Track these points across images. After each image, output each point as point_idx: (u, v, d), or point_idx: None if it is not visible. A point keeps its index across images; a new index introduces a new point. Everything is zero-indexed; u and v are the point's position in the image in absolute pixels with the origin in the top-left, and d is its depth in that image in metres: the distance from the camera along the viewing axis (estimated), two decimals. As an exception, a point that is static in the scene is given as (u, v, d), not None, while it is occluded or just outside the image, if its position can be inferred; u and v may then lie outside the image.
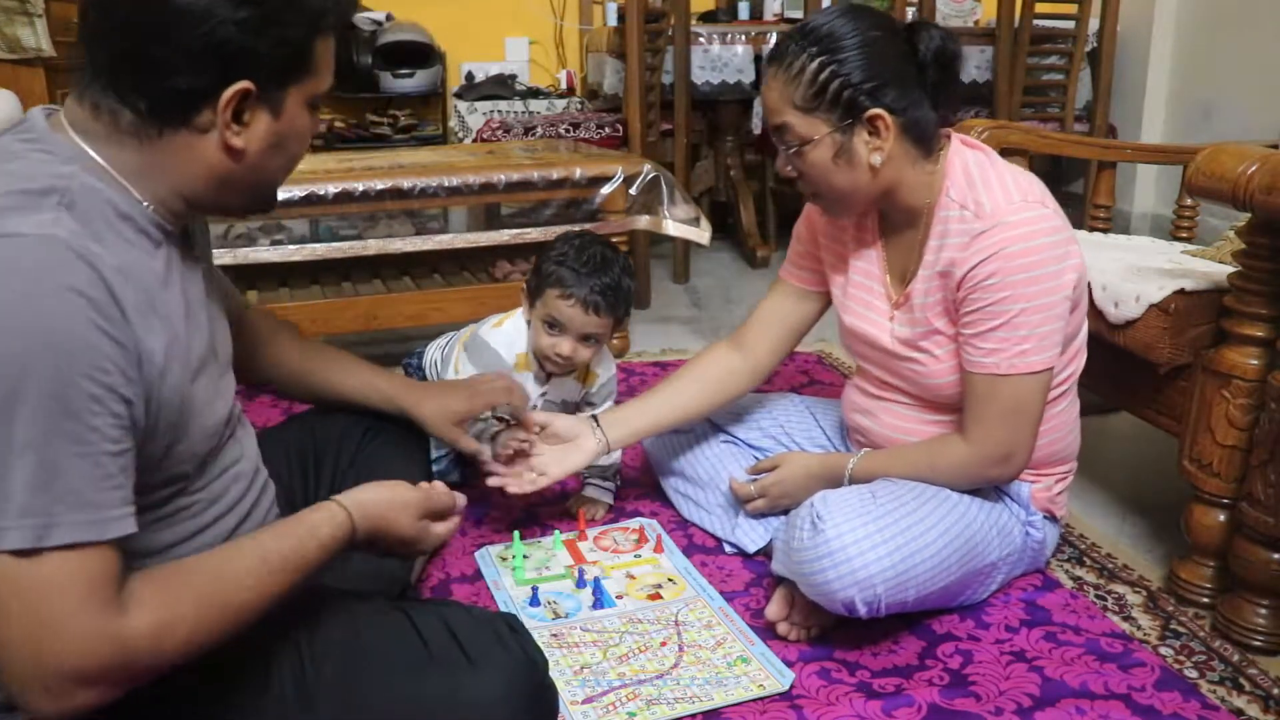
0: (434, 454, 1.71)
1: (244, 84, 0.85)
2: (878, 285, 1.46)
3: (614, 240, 2.52)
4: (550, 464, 1.53)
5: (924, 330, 1.38)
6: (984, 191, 1.30)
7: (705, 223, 2.61)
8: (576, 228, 2.51)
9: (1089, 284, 1.57)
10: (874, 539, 1.23)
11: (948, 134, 1.39)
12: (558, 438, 1.55)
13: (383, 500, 1.03)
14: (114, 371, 0.78)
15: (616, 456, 1.75)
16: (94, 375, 0.76)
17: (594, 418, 1.58)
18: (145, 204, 0.88)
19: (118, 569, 0.79)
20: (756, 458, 1.68)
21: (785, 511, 1.49)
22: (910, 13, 3.47)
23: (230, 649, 0.88)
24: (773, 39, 3.45)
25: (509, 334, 1.72)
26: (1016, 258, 1.25)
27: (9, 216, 0.77)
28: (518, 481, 1.50)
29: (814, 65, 1.28)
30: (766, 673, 1.29)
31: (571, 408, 1.78)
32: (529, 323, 1.69)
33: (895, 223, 1.42)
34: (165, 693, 0.90)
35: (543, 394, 1.75)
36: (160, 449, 0.87)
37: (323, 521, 0.96)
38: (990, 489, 1.41)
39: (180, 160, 0.88)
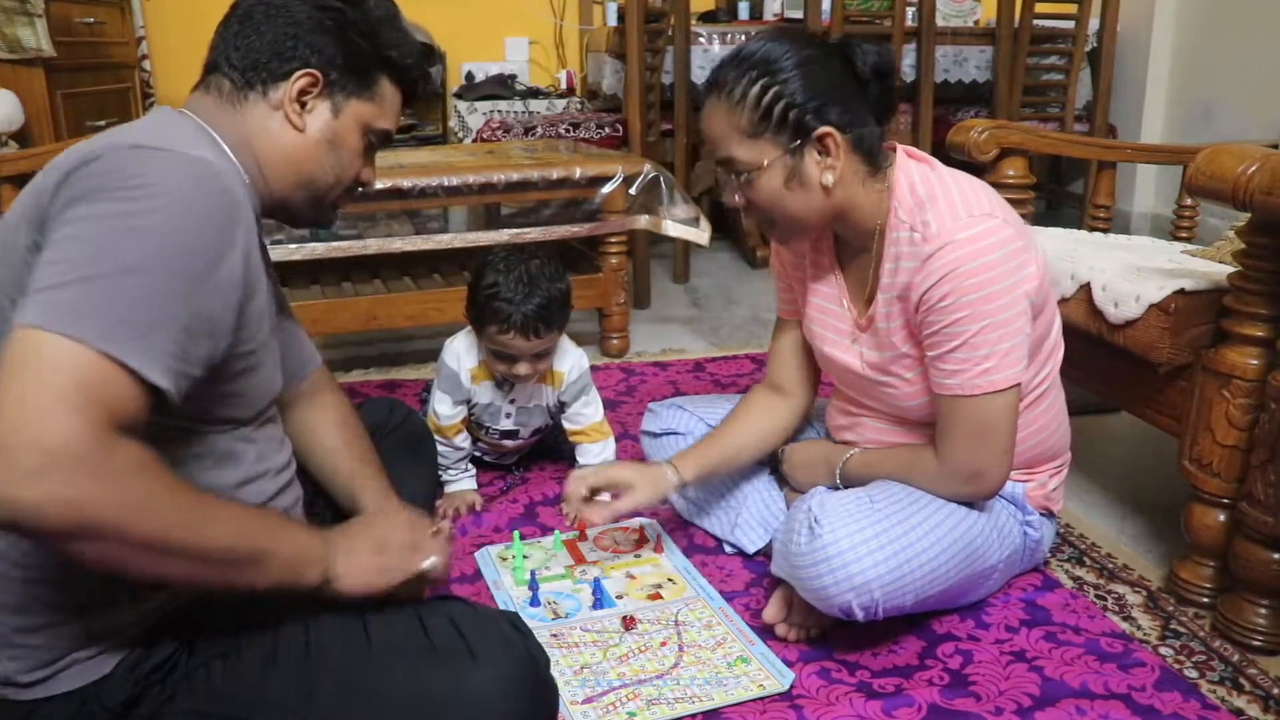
0: (440, 445, 1.72)
1: (312, 71, 1.03)
2: (838, 308, 1.45)
3: (614, 239, 2.55)
4: (627, 500, 1.47)
5: (892, 355, 1.37)
6: (930, 210, 1.28)
7: (705, 223, 2.60)
8: (577, 228, 2.53)
9: (1089, 284, 1.57)
10: (871, 544, 1.23)
11: (892, 147, 1.37)
12: (628, 486, 1.48)
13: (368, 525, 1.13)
14: (239, 266, 0.89)
15: (610, 455, 1.74)
16: (223, 255, 0.87)
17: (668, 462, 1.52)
18: (246, 179, 1.02)
19: (135, 415, 0.80)
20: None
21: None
22: (910, 13, 3.47)
23: (240, 619, 0.94)
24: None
25: (457, 350, 1.73)
26: (969, 276, 1.23)
27: (176, 145, 0.90)
28: (596, 510, 1.46)
29: (756, 89, 1.26)
30: (766, 673, 1.29)
31: (545, 412, 1.79)
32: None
33: (850, 246, 1.41)
34: (172, 654, 0.96)
35: (511, 400, 1.75)
36: (237, 368, 0.96)
37: (303, 547, 0.98)
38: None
39: (259, 128, 1.04)
